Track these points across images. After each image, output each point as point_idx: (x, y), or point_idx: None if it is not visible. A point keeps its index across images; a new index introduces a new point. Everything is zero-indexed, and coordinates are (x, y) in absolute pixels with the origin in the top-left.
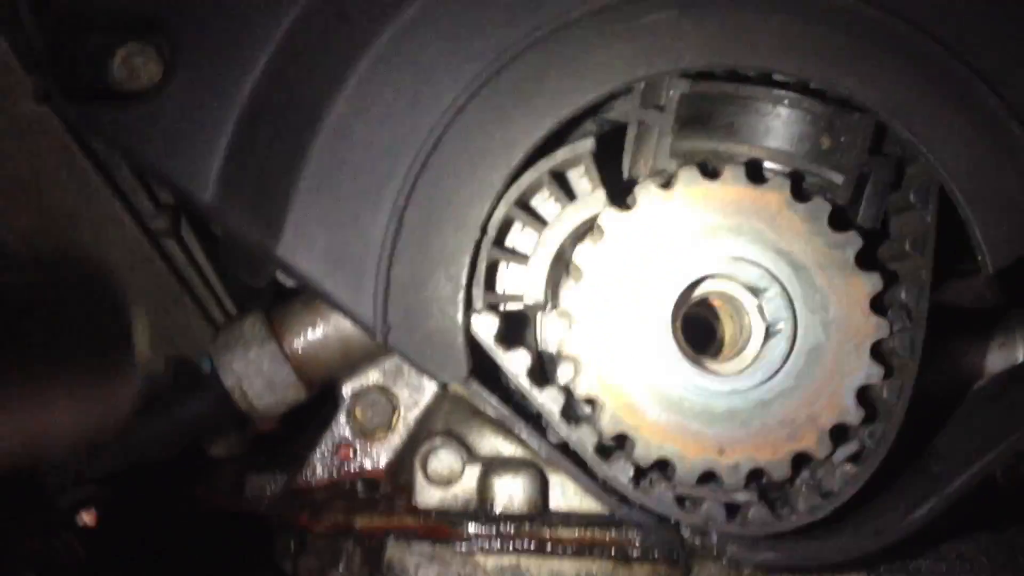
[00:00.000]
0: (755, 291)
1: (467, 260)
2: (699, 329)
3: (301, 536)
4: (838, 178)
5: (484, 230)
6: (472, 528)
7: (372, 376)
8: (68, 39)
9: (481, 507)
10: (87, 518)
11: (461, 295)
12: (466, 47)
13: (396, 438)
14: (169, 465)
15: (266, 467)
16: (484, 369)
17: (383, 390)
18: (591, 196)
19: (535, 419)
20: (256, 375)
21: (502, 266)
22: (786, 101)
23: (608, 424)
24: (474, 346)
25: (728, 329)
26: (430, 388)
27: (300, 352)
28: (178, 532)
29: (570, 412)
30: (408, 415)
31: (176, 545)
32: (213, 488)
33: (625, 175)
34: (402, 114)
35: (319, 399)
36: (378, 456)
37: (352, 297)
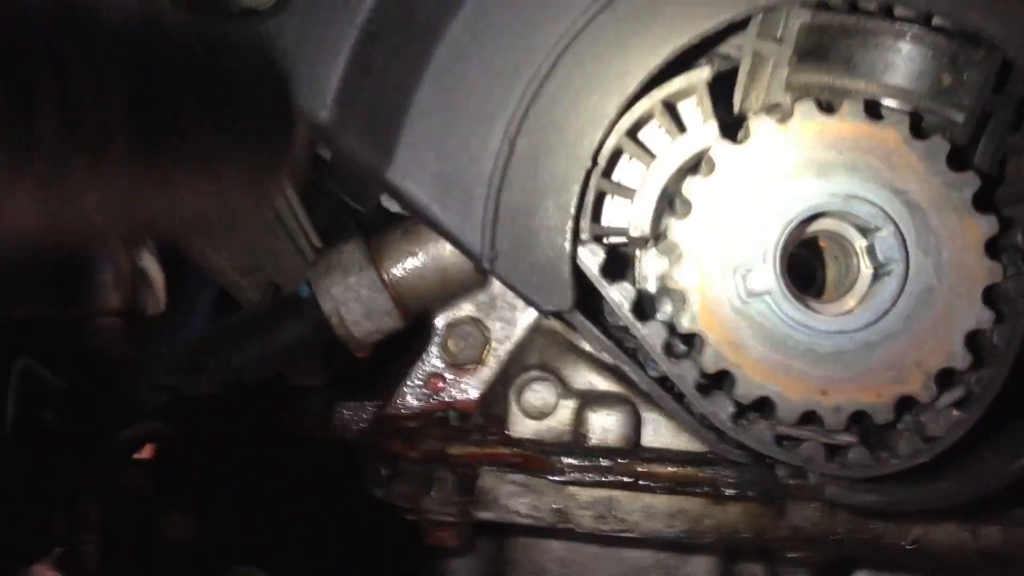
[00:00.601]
0: (867, 231)
1: (577, 190)
2: (801, 270)
3: (393, 463)
4: (958, 116)
5: (595, 160)
6: (567, 460)
7: (465, 308)
8: None
9: (575, 440)
10: (144, 452)
11: (569, 225)
12: None
13: (487, 371)
14: (253, 393)
15: (355, 396)
16: (582, 303)
17: (476, 322)
18: (703, 128)
19: (632, 355)
20: (355, 301)
21: (608, 198)
22: (908, 35)
23: (710, 360)
24: (578, 278)
25: (832, 270)
26: (523, 321)
27: (398, 280)
28: (264, 459)
29: (670, 348)
30: (500, 348)
31: (262, 472)
32: (301, 415)
33: (736, 109)
34: (517, 39)
35: (404, 332)
36: (469, 388)
37: (460, 224)
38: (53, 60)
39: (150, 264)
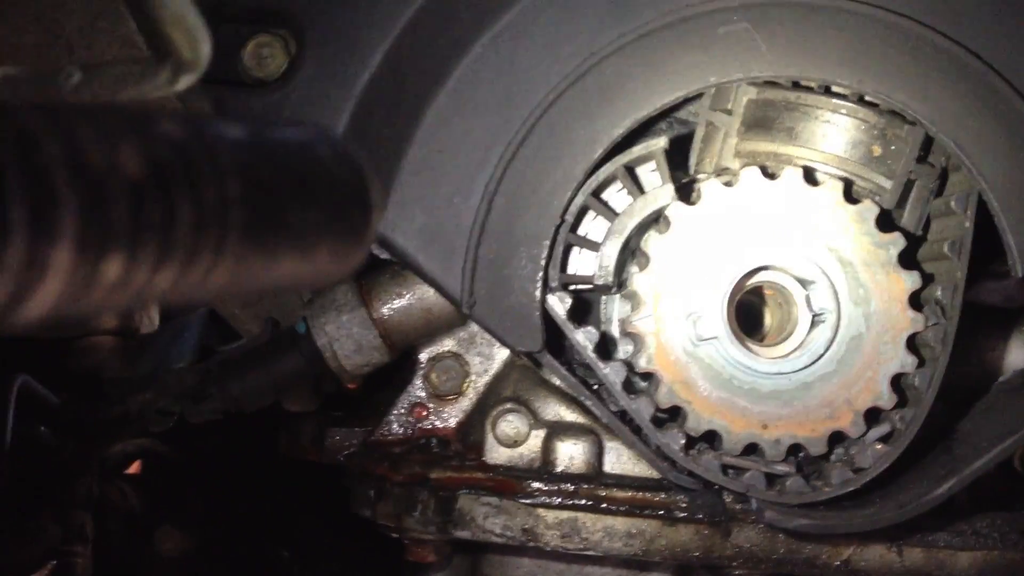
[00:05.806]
0: (804, 283)
1: (547, 243)
2: (748, 315)
3: (379, 485)
4: (886, 183)
5: (563, 217)
6: (536, 484)
7: (447, 344)
8: None
9: (544, 467)
10: (132, 468)
11: (540, 275)
12: (557, 50)
13: (466, 401)
14: (247, 416)
15: (344, 422)
16: (552, 343)
17: (456, 357)
18: (660, 190)
19: (595, 391)
20: (346, 337)
21: (575, 251)
22: (843, 110)
23: (664, 397)
24: (547, 321)
25: (776, 316)
26: (499, 357)
27: (386, 319)
28: (254, 477)
29: (630, 384)
30: (478, 381)
31: (252, 489)
32: (295, 439)
33: (691, 171)
34: (496, 109)
35: (391, 365)
36: (449, 417)
37: (442, 272)
38: (188, 176)
39: None
